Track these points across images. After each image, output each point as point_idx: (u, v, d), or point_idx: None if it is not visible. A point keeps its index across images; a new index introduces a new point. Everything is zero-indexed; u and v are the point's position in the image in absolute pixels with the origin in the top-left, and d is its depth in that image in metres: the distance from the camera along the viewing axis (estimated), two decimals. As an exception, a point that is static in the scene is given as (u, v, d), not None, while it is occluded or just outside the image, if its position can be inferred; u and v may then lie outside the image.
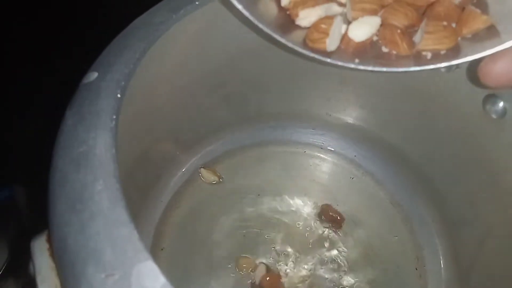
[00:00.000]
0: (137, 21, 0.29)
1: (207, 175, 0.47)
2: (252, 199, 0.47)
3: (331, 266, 0.44)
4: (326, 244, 0.45)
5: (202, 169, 0.47)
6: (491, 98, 0.34)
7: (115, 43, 0.28)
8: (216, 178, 0.47)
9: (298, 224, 0.46)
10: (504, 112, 0.34)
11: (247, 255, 0.43)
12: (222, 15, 0.35)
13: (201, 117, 0.45)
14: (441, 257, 0.45)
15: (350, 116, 0.49)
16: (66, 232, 0.21)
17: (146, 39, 0.28)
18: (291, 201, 0.47)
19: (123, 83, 0.25)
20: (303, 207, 0.47)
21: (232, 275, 0.42)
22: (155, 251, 0.43)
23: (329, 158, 0.51)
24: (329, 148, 0.51)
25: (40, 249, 0.23)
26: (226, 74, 0.42)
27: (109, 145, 0.23)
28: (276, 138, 0.51)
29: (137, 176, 0.40)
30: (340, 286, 0.43)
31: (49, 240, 0.23)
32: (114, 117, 0.24)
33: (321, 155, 0.51)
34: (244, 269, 0.42)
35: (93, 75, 0.26)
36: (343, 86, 0.46)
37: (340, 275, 0.43)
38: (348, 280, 0.43)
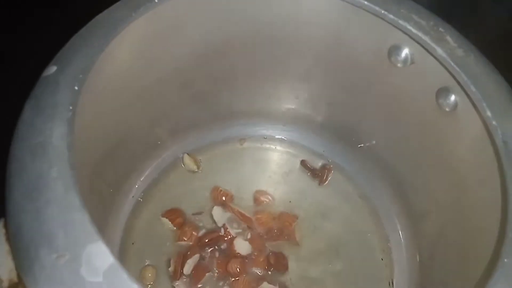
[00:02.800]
0: (97, 18, 0.30)
1: (189, 162, 0.48)
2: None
3: (299, 256, 0.45)
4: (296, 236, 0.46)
5: (185, 155, 0.49)
6: (443, 92, 0.35)
7: (75, 38, 0.29)
8: (195, 168, 0.48)
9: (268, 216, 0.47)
10: (455, 105, 0.35)
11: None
12: (185, 13, 0.37)
13: (172, 112, 0.46)
14: (403, 248, 0.46)
15: (318, 113, 0.50)
16: (22, 219, 0.22)
17: (105, 36, 0.29)
18: (262, 195, 0.49)
19: (80, 76, 0.26)
20: (273, 201, 0.48)
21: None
22: (125, 245, 0.44)
23: (299, 154, 0.52)
24: (299, 144, 0.52)
25: (-3, 234, 0.24)
26: (193, 72, 0.43)
27: (65, 134, 0.24)
28: (247, 135, 0.52)
29: (107, 172, 0.41)
30: (306, 276, 0.44)
31: (5, 226, 0.24)
32: (71, 108, 0.25)
33: (291, 151, 0.52)
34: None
35: (52, 69, 0.27)
36: (310, 83, 0.47)
37: (306, 266, 0.45)
38: (314, 271, 0.45)
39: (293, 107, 0.50)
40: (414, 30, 0.32)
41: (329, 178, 0.50)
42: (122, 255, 0.43)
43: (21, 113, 0.26)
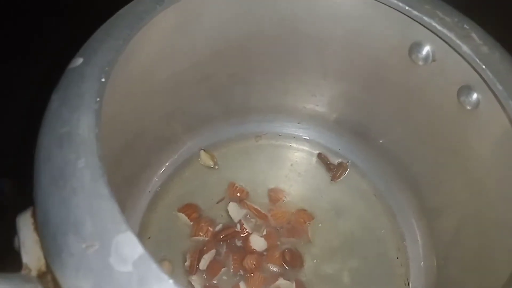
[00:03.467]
0: (122, 11, 0.31)
1: (205, 158, 0.48)
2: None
3: (313, 253, 0.45)
4: (309, 234, 0.46)
5: (202, 151, 0.49)
6: (465, 89, 0.35)
7: (101, 30, 0.29)
8: (212, 164, 0.49)
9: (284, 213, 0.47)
10: (477, 103, 0.35)
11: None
12: (206, 7, 0.37)
13: (188, 107, 0.46)
14: (420, 245, 0.46)
15: (334, 110, 0.50)
16: (49, 206, 0.22)
17: (130, 28, 0.29)
18: (277, 193, 0.48)
19: (107, 68, 0.27)
20: (288, 199, 0.48)
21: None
22: (141, 239, 0.43)
23: (314, 151, 0.52)
24: (314, 141, 0.52)
25: (25, 223, 0.24)
26: (211, 66, 0.43)
27: (92, 125, 0.24)
28: (262, 131, 0.52)
29: (124, 165, 0.41)
30: (322, 273, 0.44)
31: (34, 216, 0.24)
32: (98, 99, 0.25)
33: (307, 148, 0.52)
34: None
35: (78, 61, 0.27)
36: (327, 80, 0.47)
37: (321, 263, 0.45)
38: (329, 268, 0.45)
39: (309, 104, 0.50)
40: (439, 27, 0.32)
41: (343, 176, 0.50)
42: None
43: (48, 103, 0.26)
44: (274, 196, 0.48)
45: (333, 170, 0.50)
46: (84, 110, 0.25)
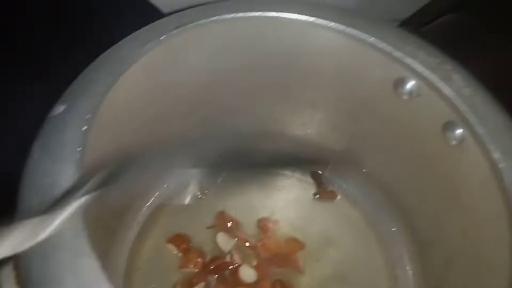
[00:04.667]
0: (103, 55, 0.31)
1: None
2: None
3: (304, 283, 0.45)
4: (300, 263, 0.46)
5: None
6: (450, 125, 0.35)
7: (82, 76, 0.29)
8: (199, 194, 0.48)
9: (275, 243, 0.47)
10: (462, 139, 0.35)
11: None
12: (189, 44, 0.37)
13: (176, 139, 0.46)
14: (411, 277, 0.46)
15: (323, 139, 0.50)
16: (31, 262, 0.22)
17: (113, 72, 0.29)
18: (267, 223, 0.48)
19: (88, 116, 0.27)
20: (278, 227, 0.48)
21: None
22: (130, 271, 0.44)
23: (304, 178, 0.52)
24: (305, 168, 0.52)
25: (6, 276, 0.24)
26: (200, 99, 0.43)
27: (73, 176, 0.24)
28: (253, 160, 0.52)
29: (112, 197, 0.41)
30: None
31: (16, 269, 0.24)
32: (79, 149, 0.25)
33: (296, 175, 0.52)
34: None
35: (60, 108, 0.27)
36: (316, 110, 0.47)
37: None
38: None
39: (299, 133, 0.50)
40: (421, 68, 0.32)
41: (327, 201, 0.50)
42: (126, 281, 0.43)
43: (30, 152, 0.26)
44: (264, 225, 0.48)
45: (322, 191, 0.50)
46: (66, 160, 0.25)
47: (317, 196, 0.50)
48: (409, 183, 0.44)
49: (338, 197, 0.51)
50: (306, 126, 0.49)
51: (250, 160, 0.51)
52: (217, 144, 0.49)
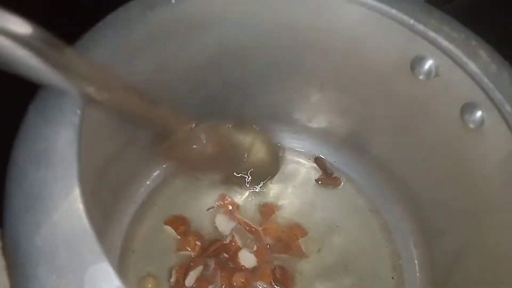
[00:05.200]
0: (109, 17, 0.29)
1: None
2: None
3: (306, 270, 0.43)
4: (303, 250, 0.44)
5: None
6: (469, 107, 0.34)
7: (85, 38, 0.27)
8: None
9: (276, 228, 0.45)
10: (481, 122, 0.33)
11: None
12: (201, 13, 0.35)
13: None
14: (417, 267, 0.44)
15: (331, 122, 0.48)
16: (20, 231, 0.20)
17: (117, 35, 0.27)
18: (269, 208, 0.47)
19: (90, 78, 0.25)
20: (281, 213, 0.46)
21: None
22: (125, 253, 0.42)
23: (308, 164, 0.50)
24: (310, 153, 0.50)
25: (-8, 247, 0.22)
26: (205, 74, 0.41)
27: (72, 141, 0.22)
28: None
29: (110, 175, 0.39)
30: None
31: (2, 239, 0.22)
32: (79, 112, 0.23)
33: (301, 160, 0.50)
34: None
35: (59, 69, 0.25)
36: (325, 91, 0.46)
37: (314, 281, 0.43)
38: (322, 286, 0.43)
39: (305, 115, 0.49)
40: (445, 43, 0.30)
41: (329, 187, 0.49)
42: (121, 263, 0.41)
43: (25, 116, 0.24)
44: (266, 210, 0.46)
45: (327, 178, 0.48)
46: (64, 123, 0.23)
47: (320, 182, 0.48)
48: (419, 169, 0.42)
49: (342, 184, 0.49)
50: (314, 108, 0.47)
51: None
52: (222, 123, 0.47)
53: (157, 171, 0.46)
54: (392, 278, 0.44)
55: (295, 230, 0.45)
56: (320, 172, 0.50)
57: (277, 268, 0.42)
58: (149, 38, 0.31)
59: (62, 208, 0.20)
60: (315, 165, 0.50)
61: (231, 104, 0.46)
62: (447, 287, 0.40)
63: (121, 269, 0.41)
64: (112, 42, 0.27)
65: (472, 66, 0.30)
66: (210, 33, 0.37)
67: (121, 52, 0.27)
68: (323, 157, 0.50)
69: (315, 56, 0.41)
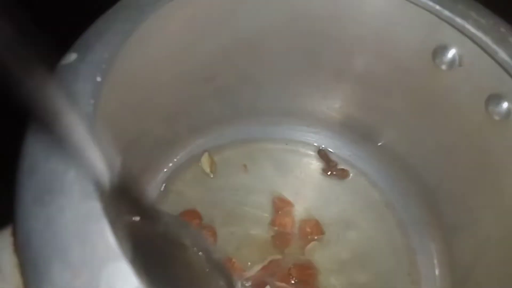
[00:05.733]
0: (122, 2, 0.27)
1: (205, 163, 0.45)
2: (242, 196, 0.45)
3: (321, 267, 0.42)
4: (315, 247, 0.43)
5: (206, 154, 0.46)
6: (494, 98, 0.32)
7: (98, 23, 0.26)
8: (209, 170, 0.45)
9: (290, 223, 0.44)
10: (508, 113, 0.32)
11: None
12: (216, 2, 0.34)
13: (193, 109, 0.43)
14: (436, 263, 0.43)
15: (346, 115, 0.47)
16: (31, 226, 0.19)
17: (131, 21, 0.26)
18: (282, 202, 0.45)
19: (104, 66, 0.24)
20: (294, 208, 0.45)
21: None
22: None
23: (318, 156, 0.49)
24: (323, 146, 0.49)
25: (3, 243, 0.21)
26: (218, 65, 0.40)
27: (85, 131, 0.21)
28: (268, 135, 0.49)
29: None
30: (329, 289, 0.41)
31: (14, 235, 0.21)
32: (92, 102, 0.22)
33: (315, 154, 0.49)
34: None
35: (72, 57, 0.24)
36: (340, 83, 0.44)
37: (328, 278, 0.42)
38: (337, 283, 0.42)
39: (320, 107, 0.47)
40: (473, 30, 0.29)
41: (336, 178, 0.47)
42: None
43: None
44: (279, 204, 0.45)
45: (332, 168, 0.47)
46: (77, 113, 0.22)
47: (329, 173, 0.47)
48: (438, 162, 0.41)
49: (350, 176, 0.47)
50: (329, 100, 0.46)
51: (266, 134, 0.49)
52: (233, 115, 0.46)
53: (170, 164, 0.45)
54: (409, 274, 0.43)
55: (310, 225, 0.44)
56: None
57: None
58: (163, 26, 0.30)
59: (74, 201, 0.19)
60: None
61: (244, 96, 0.45)
62: (468, 284, 0.39)
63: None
64: (125, 27, 0.25)
65: (502, 54, 0.28)
66: (224, 22, 0.36)
67: (136, 40, 0.26)
68: (330, 150, 0.48)
69: (331, 45, 0.40)
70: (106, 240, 0.19)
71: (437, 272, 0.42)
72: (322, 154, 0.48)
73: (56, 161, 0.21)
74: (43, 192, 0.20)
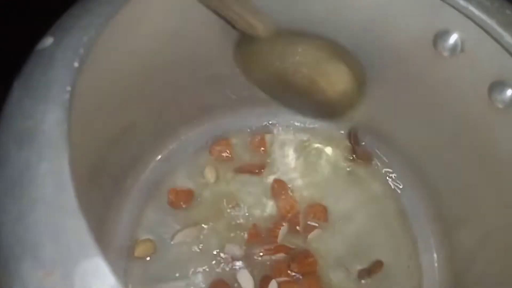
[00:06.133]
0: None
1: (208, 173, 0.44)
2: (239, 190, 0.44)
3: (320, 258, 0.41)
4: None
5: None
6: (498, 85, 0.31)
7: (76, 6, 0.25)
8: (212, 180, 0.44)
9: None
10: (512, 100, 0.31)
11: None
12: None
13: (184, 97, 0.41)
14: (435, 256, 0.42)
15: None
16: (1, 221, 0.18)
17: (112, 3, 0.24)
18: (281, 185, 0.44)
19: (82, 50, 0.22)
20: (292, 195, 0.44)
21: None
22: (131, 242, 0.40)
23: (322, 148, 0.47)
24: (322, 137, 0.47)
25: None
26: (209, 53, 0.39)
27: (60, 121, 0.20)
28: (264, 126, 0.47)
29: (110, 161, 0.37)
30: (326, 281, 0.40)
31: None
32: (69, 89, 0.21)
33: (314, 145, 0.47)
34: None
35: (48, 41, 0.23)
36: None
37: (326, 270, 0.41)
38: (334, 276, 0.41)
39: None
40: (477, 12, 0.27)
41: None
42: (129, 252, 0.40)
43: (9, 93, 0.22)
44: (278, 187, 0.44)
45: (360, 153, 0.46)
46: (51, 102, 0.20)
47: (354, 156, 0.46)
48: (439, 152, 0.40)
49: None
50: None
51: (261, 124, 0.47)
52: (227, 106, 0.45)
53: (159, 156, 0.43)
54: (408, 267, 0.42)
55: (315, 210, 0.43)
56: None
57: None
58: (148, 9, 0.28)
59: (48, 194, 0.18)
60: (329, 149, 0.47)
61: (236, 84, 0.44)
62: (468, 278, 0.38)
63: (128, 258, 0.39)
64: (106, 9, 0.24)
65: (508, 38, 0.27)
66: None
67: (118, 23, 0.25)
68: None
69: (326, 30, 0.38)
70: (81, 236, 0.17)
71: (436, 264, 0.41)
72: (352, 135, 0.46)
73: (29, 150, 0.19)
74: (14, 184, 0.19)
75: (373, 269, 0.41)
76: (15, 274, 0.17)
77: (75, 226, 0.17)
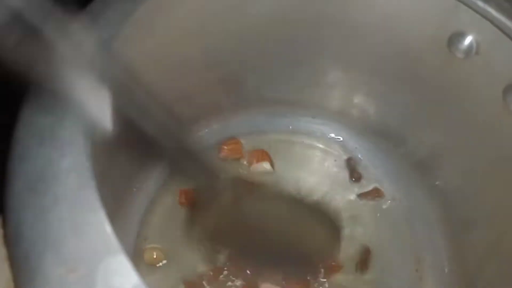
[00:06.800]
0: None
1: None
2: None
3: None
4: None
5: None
6: (512, 88, 0.31)
7: (95, 3, 0.25)
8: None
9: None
10: (527, 104, 0.31)
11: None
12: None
13: (195, 96, 0.41)
14: (445, 260, 0.42)
15: (353, 105, 0.46)
16: (23, 217, 0.18)
17: (131, 1, 0.24)
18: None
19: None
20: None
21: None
22: (139, 241, 0.40)
23: (328, 149, 0.47)
24: (329, 138, 0.47)
25: (-8, 235, 0.20)
26: (223, 52, 0.39)
27: (82, 116, 0.20)
28: (274, 126, 0.47)
29: (121, 159, 0.37)
30: (334, 285, 0.40)
31: (4, 226, 0.19)
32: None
33: (320, 146, 0.47)
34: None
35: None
36: (348, 73, 0.43)
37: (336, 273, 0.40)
38: (343, 279, 0.40)
39: (326, 98, 0.46)
40: (494, 13, 0.27)
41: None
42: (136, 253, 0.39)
43: (30, 87, 0.22)
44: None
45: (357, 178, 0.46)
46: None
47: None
48: (453, 157, 0.40)
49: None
50: (336, 90, 0.45)
51: (271, 125, 0.47)
52: (238, 106, 0.45)
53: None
54: (416, 270, 0.42)
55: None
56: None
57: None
58: (165, 10, 0.28)
59: (69, 190, 0.18)
60: (335, 151, 0.47)
61: (248, 84, 0.44)
62: (479, 283, 0.38)
63: (135, 258, 0.38)
64: (127, 8, 0.24)
65: (526, 41, 0.27)
66: (229, 6, 0.35)
67: (138, 20, 0.25)
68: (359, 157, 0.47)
69: (340, 32, 0.38)
70: (104, 233, 0.17)
71: (446, 269, 0.41)
72: (350, 162, 0.46)
73: (50, 146, 0.19)
74: (36, 180, 0.19)
75: (364, 257, 0.41)
76: (37, 270, 0.17)
77: (98, 223, 0.17)
